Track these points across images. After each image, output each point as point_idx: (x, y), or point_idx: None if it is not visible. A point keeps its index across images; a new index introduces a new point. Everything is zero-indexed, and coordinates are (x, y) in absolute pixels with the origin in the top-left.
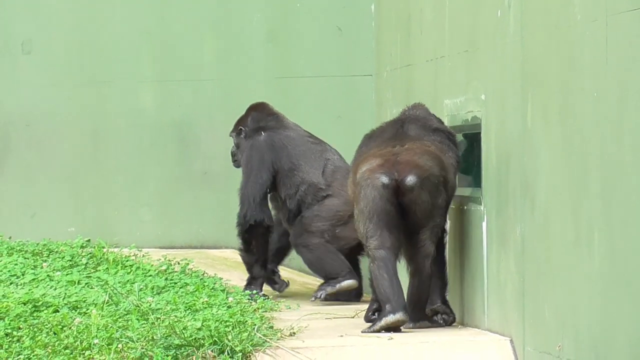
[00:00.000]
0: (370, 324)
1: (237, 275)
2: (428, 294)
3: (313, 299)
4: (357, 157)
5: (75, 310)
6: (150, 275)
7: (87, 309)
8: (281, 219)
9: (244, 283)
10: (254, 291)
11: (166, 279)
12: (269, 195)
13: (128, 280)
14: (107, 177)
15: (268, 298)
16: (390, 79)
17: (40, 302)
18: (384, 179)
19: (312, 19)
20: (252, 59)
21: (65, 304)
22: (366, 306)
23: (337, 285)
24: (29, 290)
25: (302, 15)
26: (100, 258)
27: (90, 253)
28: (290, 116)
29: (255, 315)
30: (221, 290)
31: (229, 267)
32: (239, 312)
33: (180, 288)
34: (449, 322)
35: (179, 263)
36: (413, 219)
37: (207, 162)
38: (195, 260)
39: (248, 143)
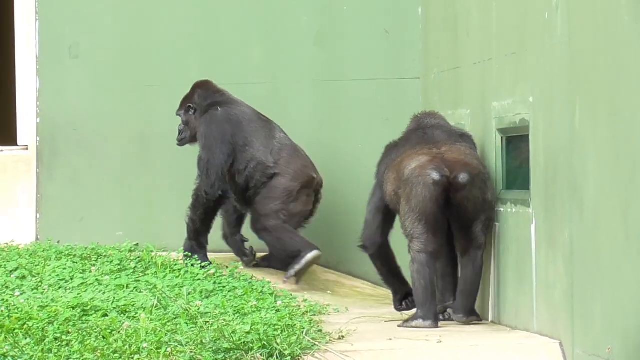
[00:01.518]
0: (404, 315)
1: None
2: (479, 286)
3: (285, 280)
4: (392, 161)
5: (124, 314)
6: (199, 279)
7: (136, 313)
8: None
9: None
10: (206, 262)
11: (215, 282)
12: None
13: (177, 284)
14: (155, 180)
15: (211, 264)
16: (437, 81)
17: (89, 306)
18: (435, 176)
19: (359, 22)
20: (299, 62)
21: (114, 308)
22: (414, 312)
23: (303, 261)
24: (78, 294)
25: (349, 18)
26: (149, 262)
27: (138, 257)
28: (338, 119)
29: (304, 318)
30: (270, 294)
31: (278, 270)
32: (288, 315)
33: (228, 292)
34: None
35: (227, 267)
36: (465, 213)
37: None
38: (243, 263)
39: (204, 118)
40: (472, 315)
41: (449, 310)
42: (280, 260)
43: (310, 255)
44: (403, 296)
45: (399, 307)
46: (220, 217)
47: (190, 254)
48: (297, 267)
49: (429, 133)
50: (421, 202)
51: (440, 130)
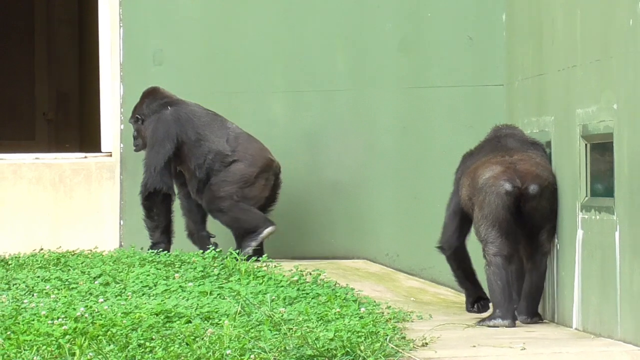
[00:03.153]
0: (478, 317)
1: (369, 285)
2: (542, 290)
3: (243, 255)
4: (467, 168)
5: (208, 321)
6: (282, 286)
7: (220, 320)
8: (190, 191)
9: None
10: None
11: (298, 289)
12: (177, 170)
13: (260, 291)
14: None
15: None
16: (521, 88)
17: (173, 313)
18: (508, 187)
19: (443, 29)
20: (383, 69)
21: (198, 315)
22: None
23: (259, 237)
24: (162, 301)
25: (433, 25)
26: (232, 269)
27: (222, 264)
28: (421, 126)
29: (387, 325)
30: (353, 301)
31: (361, 277)
32: (371, 322)
33: (312, 299)
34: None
35: (310, 273)
36: (533, 222)
37: (338, 171)
38: (326, 270)
39: (153, 119)
40: (535, 316)
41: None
42: (239, 237)
43: (266, 232)
44: (475, 299)
45: (470, 309)
46: (183, 217)
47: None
48: (254, 243)
49: (502, 141)
50: (494, 209)
51: (513, 138)
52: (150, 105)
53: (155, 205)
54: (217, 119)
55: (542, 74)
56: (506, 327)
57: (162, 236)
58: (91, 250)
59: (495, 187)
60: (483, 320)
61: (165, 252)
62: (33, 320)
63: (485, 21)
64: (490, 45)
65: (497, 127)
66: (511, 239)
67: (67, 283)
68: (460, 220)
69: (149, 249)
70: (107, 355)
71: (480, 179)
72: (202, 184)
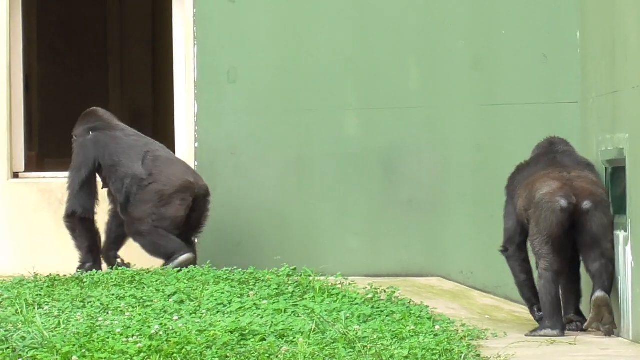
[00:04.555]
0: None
1: (443, 303)
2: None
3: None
4: (524, 178)
5: (282, 339)
6: (357, 304)
7: (294, 338)
8: (118, 211)
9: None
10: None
11: (372, 307)
12: (105, 190)
13: (334, 309)
14: (313, 204)
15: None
16: (595, 105)
17: (247, 331)
18: (563, 203)
19: (517, 46)
20: (456, 86)
21: (272, 333)
22: (581, 335)
23: (175, 262)
24: (236, 318)
25: (506, 42)
26: (307, 286)
27: (296, 281)
28: (495, 143)
29: (462, 343)
30: (427, 319)
31: (435, 295)
32: (446, 340)
33: (386, 316)
34: (580, 328)
35: (385, 291)
36: (593, 231)
37: (413, 189)
38: (401, 288)
39: (79, 141)
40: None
41: (572, 323)
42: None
43: (182, 258)
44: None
45: (537, 314)
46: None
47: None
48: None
49: (558, 158)
50: (549, 226)
51: (568, 157)
52: (80, 128)
53: (75, 226)
54: (136, 144)
55: (615, 91)
56: (555, 336)
57: (87, 256)
58: (165, 268)
59: (551, 203)
60: (535, 330)
61: (95, 271)
62: (108, 338)
63: (559, 38)
64: (564, 62)
65: (551, 140)
66: (562, 255)
67: (141, 301)
68: (518, 224)
69: (77, 269)
70: None
71: (537, 193)
72: (124, 206)
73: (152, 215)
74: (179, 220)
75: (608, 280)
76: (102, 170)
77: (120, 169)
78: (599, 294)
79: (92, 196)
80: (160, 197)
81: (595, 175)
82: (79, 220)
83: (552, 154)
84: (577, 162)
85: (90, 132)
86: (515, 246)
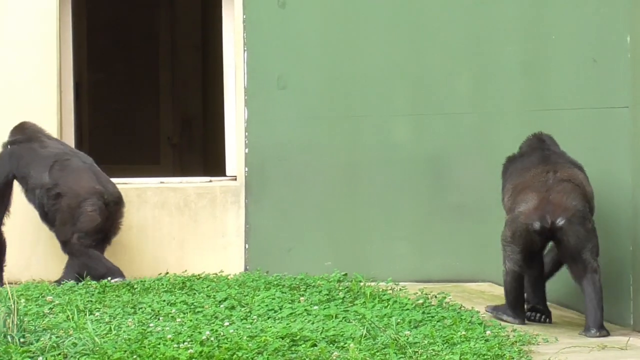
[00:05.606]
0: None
1: None
2: (603, 305)
3: None
4: (512, 178)
5: (333, 345)
6: (407, 309)
7: (345, 343)
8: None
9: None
10: None
11: (423, 312)
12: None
13: (385, 314)
14: (362, 210)
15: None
16: None
17: (298, 337)
18: (537, 226)
19: (567, 51)
20: (506, 91)
21: (323, 338)
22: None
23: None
24: (287, 324)
25: (556, 47)
26: (357, 292)
27: (347, 287)
28: None
29: (513, 348)
30: (478, 324)
31: (486, 300)
32: (497, 345)
33: (437, 322)
34: (542, 318)
35: (435, 296)
36: (571, 245)
37: (462, 194)
38: (452, 293)
39: (1, 152)
40: (603, 330)
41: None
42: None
43: (113, 282)
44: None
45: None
46: None
47: None
48: None
49: (546, 153)
50: (523, 242)
51: (561, 157)
52: (8, 139)
53: None
54: (45, 155)
55: None
56: (517, 324)
57: None
58: (216, 274)
59: (526, 224)
60: (496, 308)
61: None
62: (159, 344)
63: (609, 43)
64: (614, 66)
65: (540, 135)
66: (528, 259)
67: (192, 307)
68: None
69: None
70: None
71: (516, 208)
72: (44, 216)
73: (74, 236)
74: (98, 226)
75: (600, 310)
76: (19, 182)
77: (30, 180)
78: (597, 333)
79: (3, 207)
80: (71, 213)
81: (582, 174)
82: None
83: (541, 150)
84: (566, 159)
85: (9, 146)
86: None
